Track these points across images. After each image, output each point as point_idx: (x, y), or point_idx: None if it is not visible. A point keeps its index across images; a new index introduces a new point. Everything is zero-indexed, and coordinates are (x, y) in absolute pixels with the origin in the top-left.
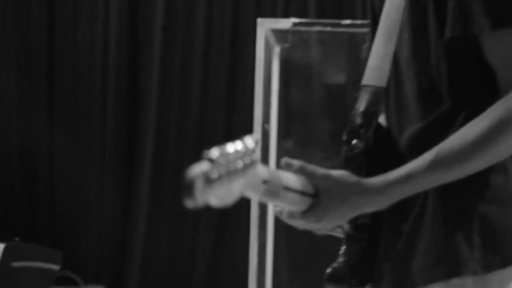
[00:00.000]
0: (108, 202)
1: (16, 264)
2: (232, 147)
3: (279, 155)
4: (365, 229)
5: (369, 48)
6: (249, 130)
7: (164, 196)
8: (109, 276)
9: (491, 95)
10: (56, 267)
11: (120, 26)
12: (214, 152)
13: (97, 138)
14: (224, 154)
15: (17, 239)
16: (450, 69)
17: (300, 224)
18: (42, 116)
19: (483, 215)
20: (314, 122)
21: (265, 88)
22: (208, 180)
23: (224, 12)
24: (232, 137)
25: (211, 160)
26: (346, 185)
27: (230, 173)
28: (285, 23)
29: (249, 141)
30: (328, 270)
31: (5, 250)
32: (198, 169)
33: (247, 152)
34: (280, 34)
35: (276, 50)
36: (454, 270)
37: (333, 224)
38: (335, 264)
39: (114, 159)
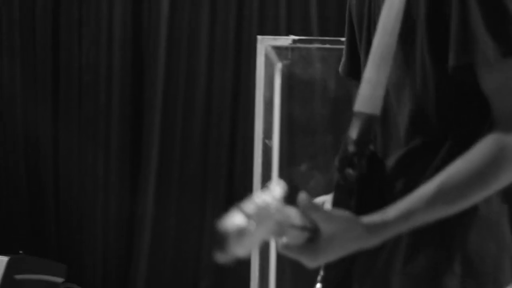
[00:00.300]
0: (113, 216)
1: (20, 276)
2: (261, 198)
3: (281, 170)
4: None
5: (347, 65)
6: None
7: (169, 208)
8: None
9: (478, 126)
10: (59, 279)
11: (124, 29)
12: (247, 206)
13: (102, 147)
14: (255, 207)
15: (21, 252)
16: (439, 97)
17: (293, 256)
18: (48, 123)
19: (463, 243)
20: (315, 137)
21: (266, 104)
22: (242, 235)
23: (228, 25)
24: (237, 147)
25: (243, 214)
26: (347, 229)
27: (260, 227)
28: (285, 40)
29: (276, 189)
30: None
31: (9, 263)
32: (232, 223)
33: (273, 201)
34: (281, 51)
35: (278, 66)
36: None
37: (327, 260)
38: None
39: (120, 170)
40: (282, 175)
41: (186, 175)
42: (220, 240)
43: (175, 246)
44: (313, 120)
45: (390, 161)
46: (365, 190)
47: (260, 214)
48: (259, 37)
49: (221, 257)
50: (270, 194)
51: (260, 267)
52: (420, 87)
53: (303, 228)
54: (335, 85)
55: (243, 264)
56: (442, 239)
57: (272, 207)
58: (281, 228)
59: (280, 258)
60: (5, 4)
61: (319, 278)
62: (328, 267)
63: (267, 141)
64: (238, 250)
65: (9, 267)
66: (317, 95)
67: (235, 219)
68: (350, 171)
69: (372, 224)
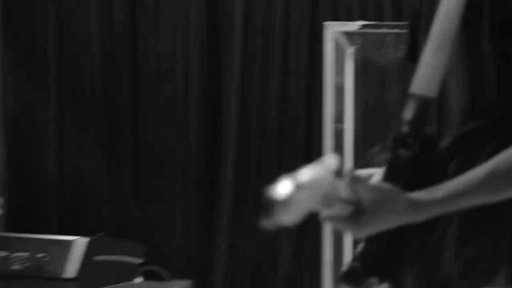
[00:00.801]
0: (193, 198)
1: (99, 257)
2: (312, 169)
3: (354, 155)
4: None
5: (407, 50)
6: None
7: (247, 191)
8: (195, 271)
9: None
10: (138, 260)
11: (199, 17)
12: (297, 176)
13: (180, 134)
14: (304, 177)
15: (100, 233)
16: (499, 82)
17: (339, 228)
18: (128, 108)
19: None
20: (387, 121)
21: (337, 89)
22: (289, 204)
23: (301, 15)
24: (312, 140)
25: (291, 182)
26: (391, 202)
27: (308, 196)
28: (353, 26)
29: (328, 162)
30: (344, 268)
31: (89, 244)
32: (280, 190)
33: (324, 173)
34: (350, 36)
35: (348, 51)
36: (481, 281)
37: (371, 233)
38: (352, 262)
39: (198, 156)
40: (354, 161)
41: (262, 175)
42: (266, 206)
43: (254, 228)
44: (384, 105)
45: (444, 144)
46: (416, 171)
47: (309, 185)
48: (326, 23)
49: (266, 223)
50: (322, 166)
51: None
52: (479, 72)
53: (348, 202)
54: (404, 70)
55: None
56: (495, 224)
57: (322, 179)
58: (328, 200)
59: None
60: None
61: (358, 249)
62: (369, 240)
63: (338, 124)
64: (283, 218)
65: (89, 248)
66: (388, 79)
67: (284, 187)
68: (402, 151)
69: (417, 200)
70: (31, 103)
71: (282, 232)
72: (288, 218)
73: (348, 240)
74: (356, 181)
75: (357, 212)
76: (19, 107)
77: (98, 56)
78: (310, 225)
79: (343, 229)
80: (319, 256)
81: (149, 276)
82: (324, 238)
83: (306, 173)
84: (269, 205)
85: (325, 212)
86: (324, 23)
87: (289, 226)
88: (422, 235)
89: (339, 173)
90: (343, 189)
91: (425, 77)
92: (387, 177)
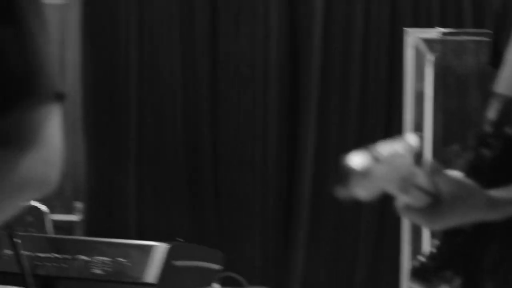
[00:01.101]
0: (271, 206)
1: (179, 263)
2: (392, 145)
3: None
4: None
5: (491, 55)
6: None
7: (325, 202)
8: (273, 279)
9: None
10: (217, 266)
11: (279, 23)
12: (379, 149)
13: (260, 139)
14: (383, 151)
15: (180, 240)
16: None
17: (414, 218)
18: (207, 114)
19: None
20: (467, 128)
21: (417, 96)
22: (365, 174)
23: (381, 21)
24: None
25: (374, 156)
26: (469, 196)
27: (385, 170)
28: (433, 33)
29: (410, 142)
30: (414, 263)
31: (169, 250)
32: (359, 161)
33: (403, 150)
34: (430, 43)
35: (428, 58)
36: None
37: (446, 226)
38: (423, 260)
39: (277, 161)
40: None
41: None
42: (343, 175)
43: (332, 240)
44: (465, 112)
45: None
46: (497, 171)
47: (389, 162)
48: (407, 30)
49: (340, 192)
50: (402, 143)
51: None
52: None
53: (426, 191)
54: (484, 77)
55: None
56: None
57: (402, 157)
58: (405, 185)
59: None
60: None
61: (432, 246)
62: (444, 238)
63: (418, 133)
64: (358, 190)
65: (169, 253)
66: (467, 87)
67: (363, 158)
68: (484, 150)
69: (495, 198)
70: (111, 114)
71: (360, 240)
72: (363, 191)
73: (426, 240)
74: (437, 172)
75: (433, 204)
76: (101, 114)
77: (177, 64)
78: (388, 234)
79: (417, 220)
80: (397, 265)
81: (227, 283)
82: (402, 247)
83: (386, 148)
84: (345, 175)
85: (401, 199)
86: (404, 29)
87: (364, 200)
88: (504, 239)
89: (418, 157)
90: (422, 177)
91: (510, 77)
92: (467, 176)
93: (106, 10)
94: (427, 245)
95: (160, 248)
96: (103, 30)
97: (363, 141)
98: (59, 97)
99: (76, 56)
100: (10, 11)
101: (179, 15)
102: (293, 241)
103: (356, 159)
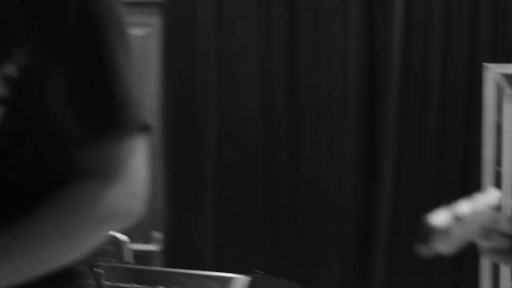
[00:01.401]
0: (351, 239)
1: None
2: (472, 202)
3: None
4: None
5: None
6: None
7: (403, 234)
8: None
9: None
10: None
11: (357, 58)
12: (458, 208)
13: (337, 163)
14: (465, 210)
15: (259, 272)
16: None
17: (498, 260)
18: (284, 144)
19: None
20: None
21: (497, 131)
22: (447, 233)
23: (459, 54)
24: (471, 183)
25: (454, 215)
26: None
27: (468, 228)
28: None
29: (490, 195)
30: None
31: (251, 283)
32: (440, 220)
33: (484, 208)
34: (510, 78)
35: (508, 93)
36: None
37: None
38: None
39: (355, 187)
40: None
41: (420, 203)
42: (425, 233)
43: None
44: None
45: None
46: None
47: (469, 218)
48: (487, 65)
49: (423, 250)
50: (482, 200)
51: None
52: None
53: (509, 236)
54: None
55: None
56: None
57: (483, 213)
58: (487, 233)
59: None
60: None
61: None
62: None
63: (498, 168)
64: (440, 247)
65: (250, 286)
66: None
67: (444, 217)
68: None
69: None
70: (190, 146)
71: (439, 270)
72: (445, 247)
73: (505, 275)
74: None
75: None
76: (180, 146)
77: (255, 97)
78: (467, 262)
79: (501, 261)
80: None
81: None
82: (481, 273)
83: (466, 206)
84: (427, 233)
85: (484, 244)
86: (484, 64)
87: (446, 255)
88: None
89: (499, 207)
90: (503, 222)
91: None
92: None
93: (185, 42)
94: (507, 280)
95: (240, 280)
96: (182, 61)
97: (443, 174)
98: (145, 129)
99: (155, 88)
100: (100, 42)
101: (256, 47)
102: (371, 275)
103: (439, 218)
